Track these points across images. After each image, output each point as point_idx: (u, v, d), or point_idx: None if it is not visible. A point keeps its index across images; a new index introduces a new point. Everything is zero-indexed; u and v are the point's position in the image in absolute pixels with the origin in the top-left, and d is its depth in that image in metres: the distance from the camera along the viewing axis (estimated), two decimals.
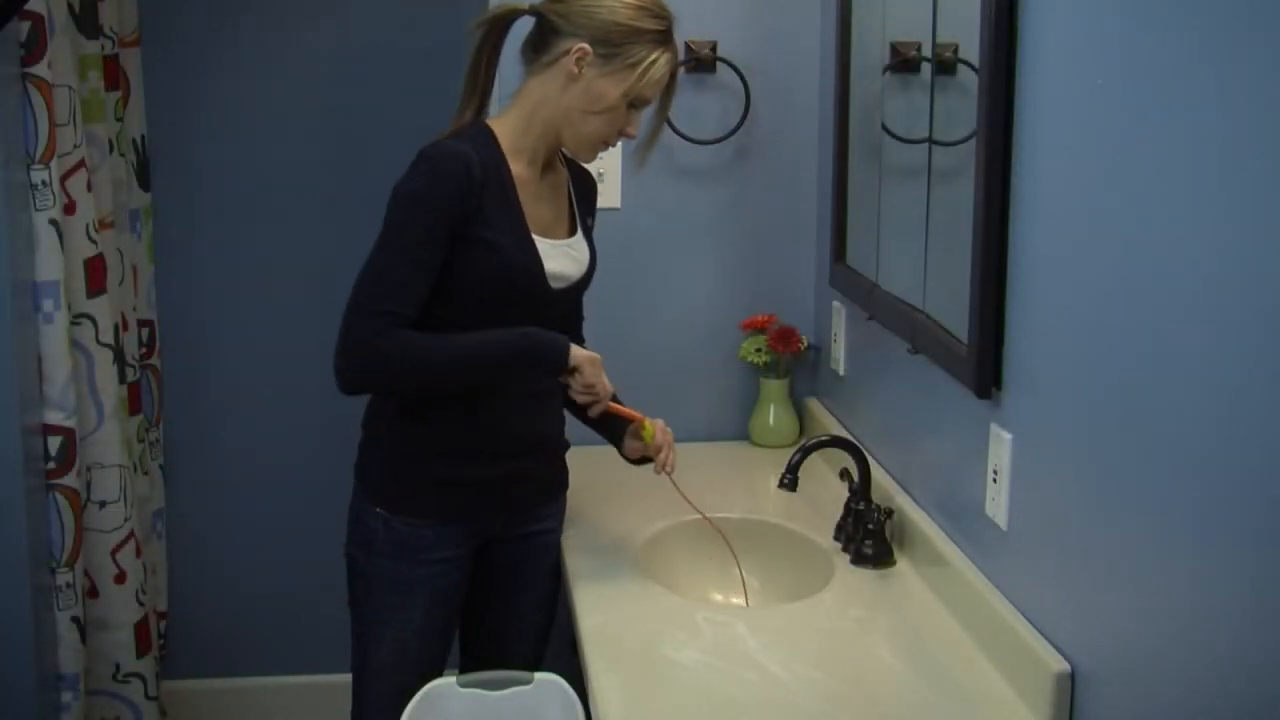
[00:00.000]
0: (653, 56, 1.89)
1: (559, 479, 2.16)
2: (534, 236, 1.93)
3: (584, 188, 2.11)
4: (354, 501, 2.04)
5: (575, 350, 1.90)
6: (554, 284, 1.97)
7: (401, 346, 1.84)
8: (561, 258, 1.98)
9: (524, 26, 1.98)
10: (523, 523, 2.10)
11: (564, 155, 2.06)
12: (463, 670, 2.13)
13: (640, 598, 1.95)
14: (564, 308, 2.05)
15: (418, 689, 1.92)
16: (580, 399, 1.94)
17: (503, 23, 1.97)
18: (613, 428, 2.09)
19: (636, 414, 2.04)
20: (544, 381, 1.96)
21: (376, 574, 2.01)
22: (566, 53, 1.88)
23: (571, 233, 2.04)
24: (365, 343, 1.84)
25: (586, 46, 1.87)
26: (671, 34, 1.93)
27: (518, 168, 1.94)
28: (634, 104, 1.93)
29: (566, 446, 2.16)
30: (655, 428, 2.04)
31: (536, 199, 1.97)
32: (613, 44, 1.87)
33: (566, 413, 2.11)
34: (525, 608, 2.15)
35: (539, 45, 1.93)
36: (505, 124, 1.96)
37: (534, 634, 2.17)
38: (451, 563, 2.02)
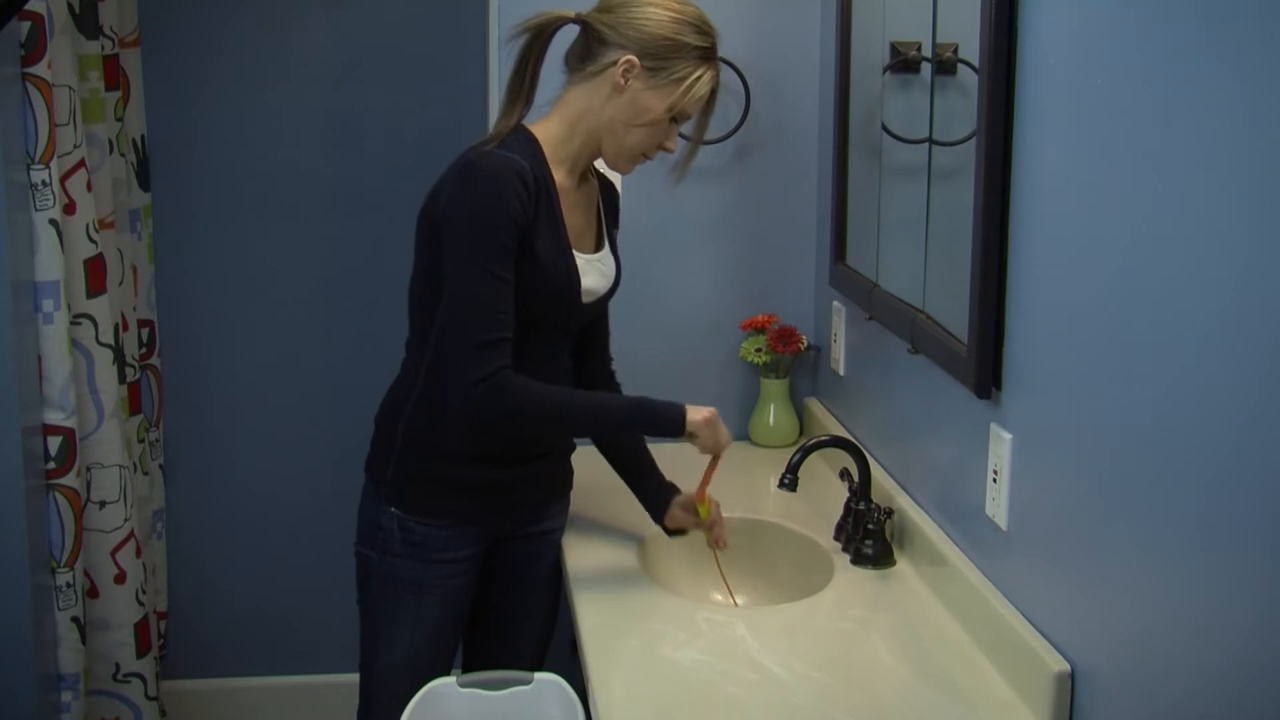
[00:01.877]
0: (698, 73, 1.89)
1: (565, 478, 2.17)
2: (575, 252, 1.94)
3: (611, 199, 2.11)
4: (366, 501, 2.04)
5: (691, 415, 1.92)
6: (585, 299, 1.98)
7: (531, 395, 1.85)
8: (594, 273, 1.99)
9: (568, 35, 1.97)
10: (531, 522, 2.10)
11: (593, 166, 2.04)
12: (466, 668, 2.13)
13: (640, 598, 1.95)
14: (586, 319, 2.05)
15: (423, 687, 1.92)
16: (704, 453, 1.98)
17: (548, 30, 1.96)
18: (653, 490, 2.11)
19: (703, 489, 2.05)
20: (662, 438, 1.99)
21: (390, 574, 2.00)
22: (614, 64, 1.88)
23: (599, 246, 2.04)
24: (488, 374, 1.81)
25: (634, 59, 1.87)
26: (715, 51, 1.93)
27: (559, 177, 1.93)
28: (675, 119, 1.92)
29: (573, 447, 2.16)
30: (711, 504, 2.06)
31: (573, 210, 1.97)
32: (660, 57, 1.87)
33: (604, 456, 2.16)
34: (531, 606, 2.15)
35: (585, 55, 1.92)
36: (548, 132, 1.94)
37: (539, 632, 2.18)
38: (464, 563, 2.02)
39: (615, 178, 2.57)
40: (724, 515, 2.12)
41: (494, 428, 1.91)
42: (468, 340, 1.82)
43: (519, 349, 1.86)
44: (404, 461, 2.00)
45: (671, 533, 2.11)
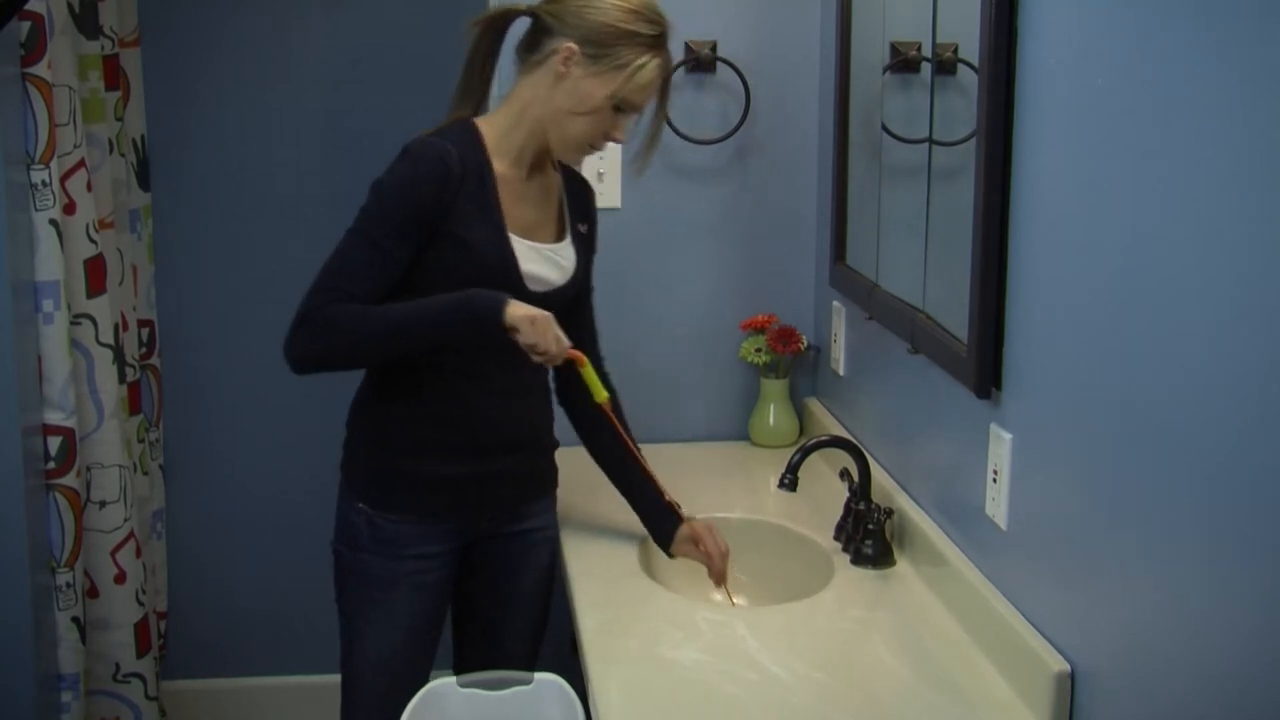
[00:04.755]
0: (641, 60, 1.88)
1: (547, 477, 2.15)
2: (512, 236, 1.93)
3: (578, 193, 2.10)
4: (340, 498, 2.05)
5: (513, 308, 1.82)
6: (531, 286, 1.95)
7: (340, 314, 1.84)
8: (542, 261, 1.97)
9: (522, 28, 1.98)
10: (511, 521, 2.09)
11: (554, 160, 2.04)
12: (457, 669, 2.13)
13: (640, 598, 1.95)
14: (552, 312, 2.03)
15: (405, 684, 1.93)
16: (535, 360, 1.87)
17: (500, 23, 1.97)
18: (654, 513, 2.09)
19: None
20: (489, 341, 1.86)
21: (361, 570, 2.01)
22: (555, 52, 1.88)
23: (559, 238, 2.03)
24: (305, 314, 1.85)
25: (574, 46, 1.87)
26: (664, 40, 1.92)
27: (501, 166, 1.93)
28: (620, 107, 1.91)
29: (555, 445, 2.15)
30: (715, 538, 2.03)
31: (520, 199, 1.96)
32: (601, 45, 1.87)
33: (605, 474, 2.13)
34: (518, 606, 2.14)
35: (531, 45, 1.93)
36: (493, 123, 1.96)
37: (528, 633, 2.17)
38: (435, 559, 2.01)
39: (608, 176, 2.57)
40: (724, 515, 2.12)
41: (313, 356, 1.87)
42: (312, 286, 1.85)
43: (484, 346, 1.87)
44: (369, 457, 2.01)
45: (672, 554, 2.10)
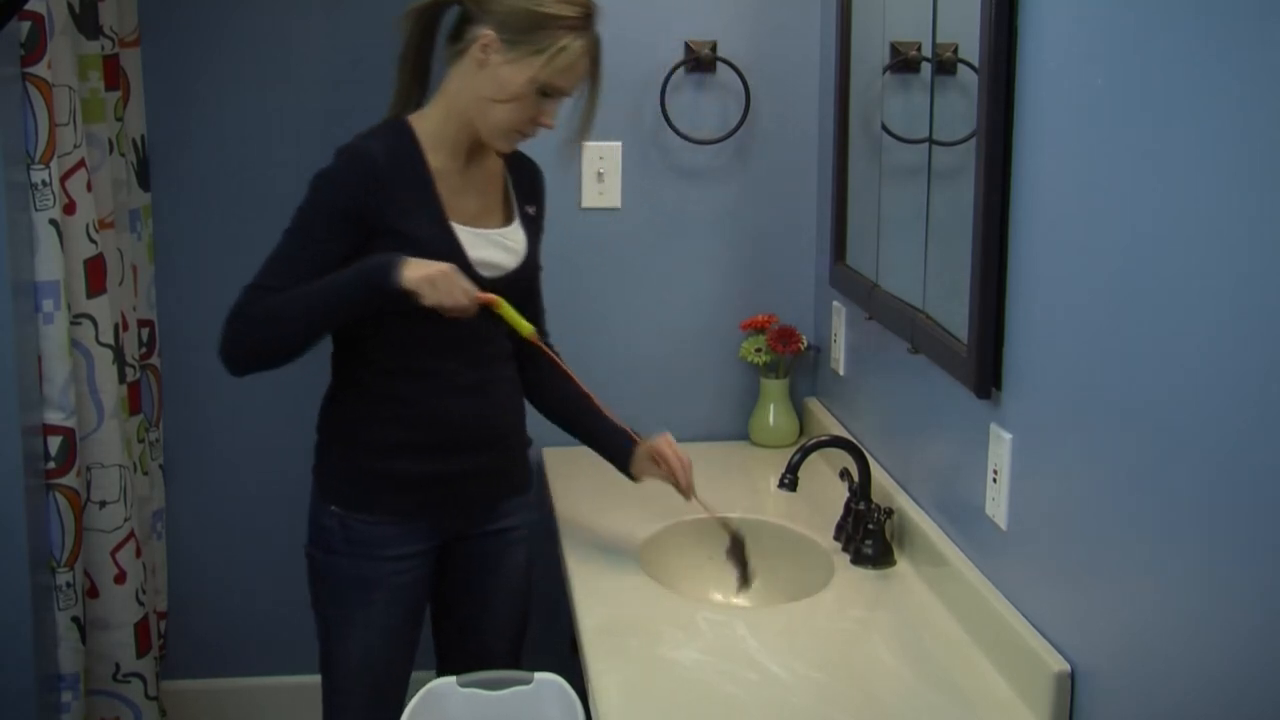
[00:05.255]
0: (561, 44, 1.85)
1: (520, 476, 2.14)
2: (456, 225, 1.92)
3: (524, 177, 2.08)
4: (311, 501, 2.05)
5: (409, 272, 1.79)
6: (484, 272, 1.94)
7: (258, 308, 1.87)
8: (491, 246, 1.97)
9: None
10: (485, 520, 2.09)
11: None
12: (440, 671, 2.13)
13: (640, 598, 1.95)
14: (506, 299, 2.02)
15: (385, 685, 1.94)
16: (450, 317, 1.83)
17: (428, 16, 1.96)
18: (609, 439, 2.09)
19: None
20: (400, 307, 1.82)
21: (335, 573, 2.01)
22: (475, 40, 1.87)
23: (507, 222, 2.02)
24: (231, 316, 1.88)
25: (491, 33, 1.85)
26: (589, 21, 1.89)
27: (438, 160, 1.93)
28: (545, 92, 1.89)
29: (528, 443, 2.14)
30: (668, 451, 2.03)
31: (461, 190, 1.96)
32: (519, 30, 1.85)
33: (555, 421, 2.13)
34: (497, 606, 2.14)
35: (455, 35, 1.93)
36: (426, 117, 1.95)
37: (509, 633, 2.16)
38: (409, 559, 2.01)
39: (608, 176, 2.57)
40: (723, 515, 2.12)
41: (242, 353, 1.90)
42: (248, 285, 1.89)
43: (438, 333, 1.88)
44: (338, 458, 2.01)
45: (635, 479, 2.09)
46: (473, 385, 1.99)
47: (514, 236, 2.02)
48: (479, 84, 1.88)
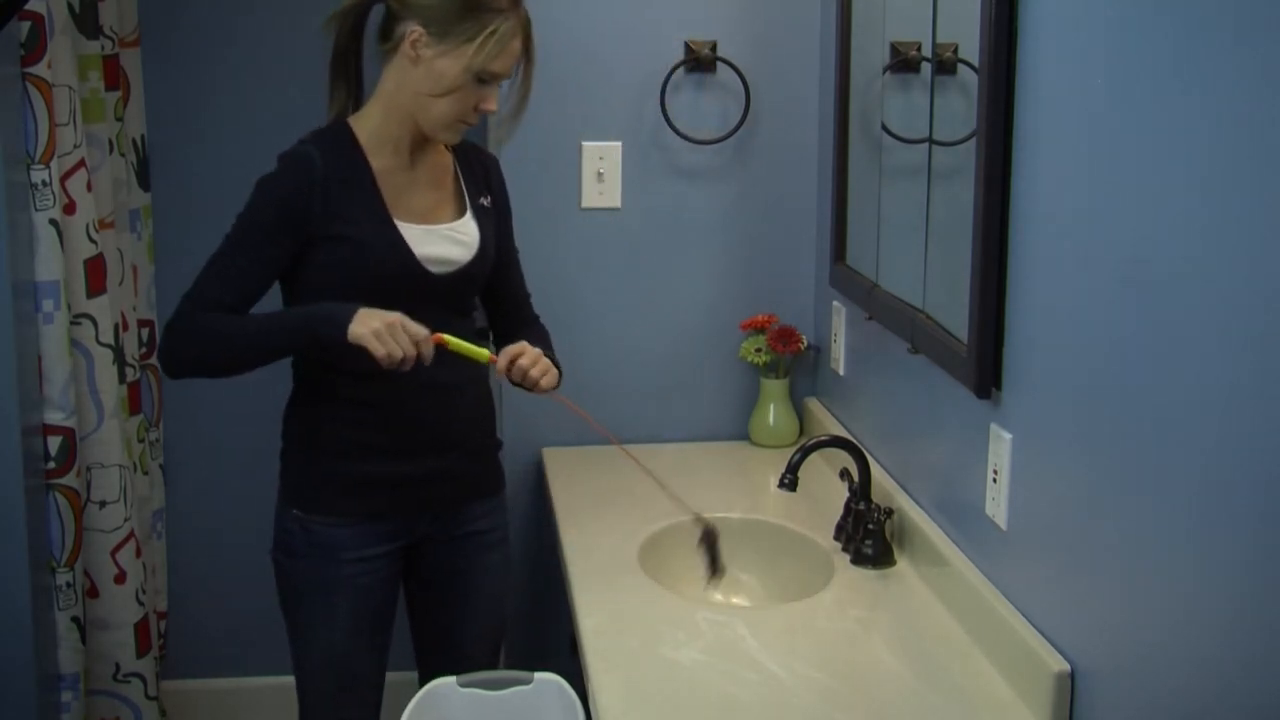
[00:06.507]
0: (491, 28, 1.84)
1: (490, 478, 2.13)
2: (402, 224, 1.92)
3: (475, 168, 2.07)
4: (276, 505, 2.05)
5: (355, 328, 1.78)
6: (433, 269, 1.94)
7: (205, 324, 1.88)
8: (441, 242, 1.96)
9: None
10: (455, 524, 2.08)
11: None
12: (421, 674, 2.13)
13: (640, 598, 1.95)
14: (462, 294, 2.01)
15: (354, 686, 1.95)
16: (405, 371, 1.82)
17: (354, 15, 1.95)
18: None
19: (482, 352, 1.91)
20: (334, 353, 1.84)
21: (298, 576, 2.01)
22: (404, 37, 1.87)
23: (458, 216, 2.01)
24: (174, 321, 1.90)
25: (419, 28, 1.85)
26: (516, 2, 1.88)
27: (380, 160, 1.93)
28: (482, 79, 1.88)
29: (497, 445, 2.14)
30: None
31: (407, 188, 1.96)
32: (445, 22, 1.84)
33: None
34: (473, 609, 2.13)
35: (384, 34, 1.92)
36: (365, 118, 1.95)
37: (487, 636, 2.16)
38: (372, 561, 2.00)
39: (608, 176, 2.56)
40: (724, 515, 2.12)
41: (179, 363, 1.93)
42: (184, 294, 1.90)
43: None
44: (301, 460, 2.01)
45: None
46: (435, 387, 1.97)
47: (465, 229, 2.00)
48: (415, 81, 1.88)
